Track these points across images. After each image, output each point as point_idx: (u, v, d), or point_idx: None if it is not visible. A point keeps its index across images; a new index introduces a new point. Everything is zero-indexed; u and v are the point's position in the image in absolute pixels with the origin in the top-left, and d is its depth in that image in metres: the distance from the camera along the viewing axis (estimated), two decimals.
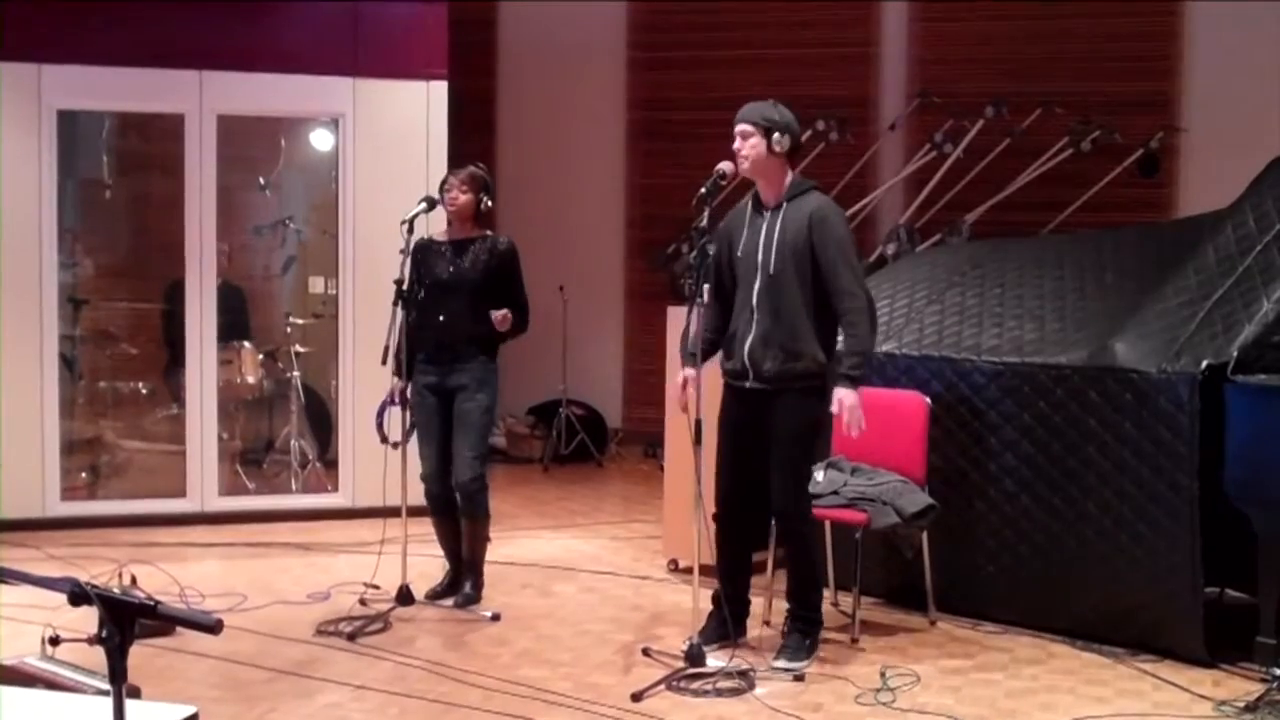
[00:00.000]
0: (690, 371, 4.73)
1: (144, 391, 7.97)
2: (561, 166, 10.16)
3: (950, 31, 9.27)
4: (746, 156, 4.84)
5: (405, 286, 5.45)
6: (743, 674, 4.69)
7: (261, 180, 8.14)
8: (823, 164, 8.38)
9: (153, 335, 8.07)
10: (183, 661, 4.84)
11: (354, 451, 7.32)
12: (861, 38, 9.50)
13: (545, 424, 9.57)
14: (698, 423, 4.66)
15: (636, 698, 4.50)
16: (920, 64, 9.36)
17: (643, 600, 5.83)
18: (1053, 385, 5.26)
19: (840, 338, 4.87)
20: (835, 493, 5.27)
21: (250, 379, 7.78)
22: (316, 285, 8.00)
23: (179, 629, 4.44)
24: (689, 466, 4.94)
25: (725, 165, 4.86)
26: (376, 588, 5.67)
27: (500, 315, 5.49)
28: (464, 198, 5.63)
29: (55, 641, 2.63)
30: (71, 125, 7.41)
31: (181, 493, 7.23)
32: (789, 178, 4.90)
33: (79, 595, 2.05)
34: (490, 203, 5.72)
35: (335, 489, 7.49)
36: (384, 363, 5.43)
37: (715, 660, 4.76)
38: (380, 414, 5.78)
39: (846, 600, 5.44)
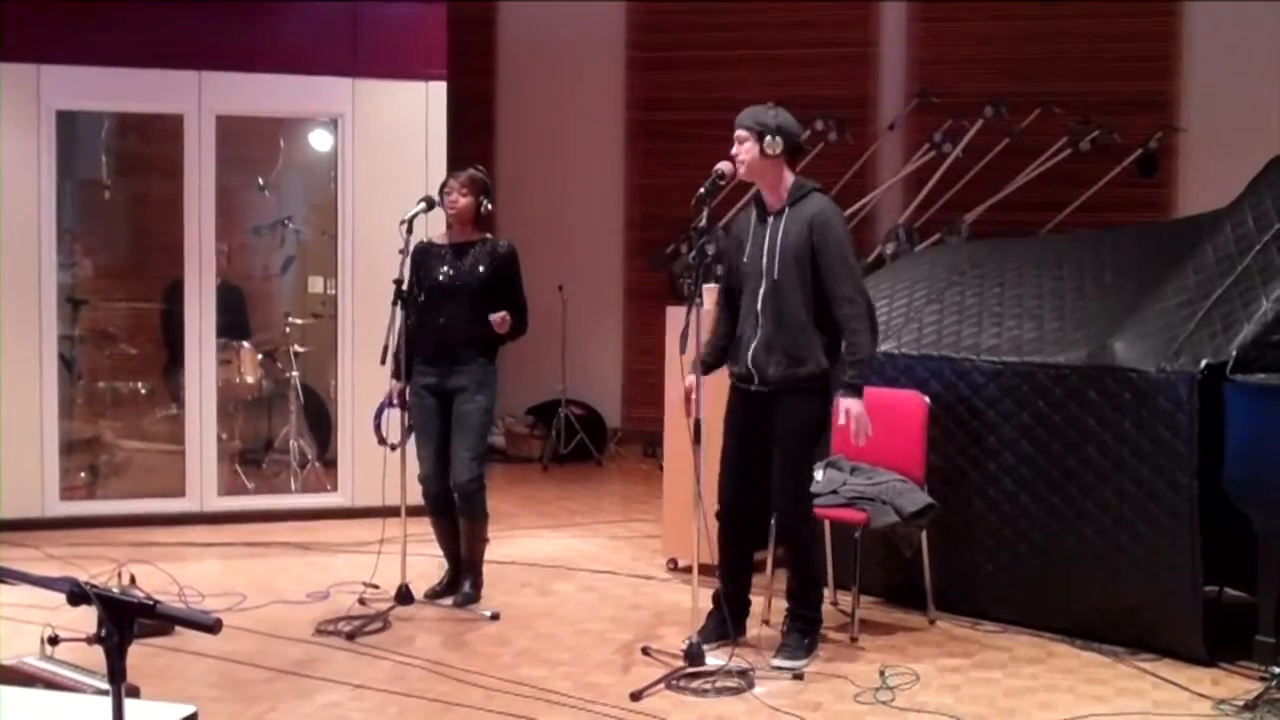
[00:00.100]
0: (692, 379, 4.77)
1: (143, 391, 7.97)
2: (561, 166, 10.16)
3: (949, 31, 9.27)
4: (743, 161, 4.89)
5: (405, 287, 5.46)
6: (742, 673, 4.69)
7: (261, 180, 8.14)
8: (822, 164, 8.38)
9: (152, 335, 8.07)
10: (182, 661, 4.84)
11: (353, 451, 7.32)
12: (861, 37, 9.50)
13: (544, 423, 9.58)
14: (697, 422, 4.68)
15: (636, 697, 4.50)
16: (919, 64, 9.36)
17: (642, 599, 5.84)
18: (1052, 384, 5.26)
19: (843, 344, 4.89)
20: (834, 492, 5.28)
21: (249, 379, 7.79)
22: (316, 285, 8.01)
23: (178, 628, 4.46)
24: (688, 466, 4.95)
25: (724, 165, 4.89)
26: (376, 587, 5.67)
27: (499, 318, 5.49)
28: (464, 201, 5.64)
29: (54, 641, 2.64)
30: (71, 126, 7.41)
31: (181, 492, 7.23)
32: (789, 180, 4.92)
33: (78, 595, 2.05)
34: (490, 205, 5.72)
35: (334, 489, 7.49)
36: (383, 363, 5.43)
37: (715, 659, 4.76)
38: (378, 415, 5.79)
39: (846, 599, 5.44)
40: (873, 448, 5.11)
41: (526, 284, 5.73)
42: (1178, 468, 4.84)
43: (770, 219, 4.92)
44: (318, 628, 5.28)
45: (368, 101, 7.35)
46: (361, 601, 5.58)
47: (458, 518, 5.66)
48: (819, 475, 5.24)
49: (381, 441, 5.68)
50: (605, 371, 10.12)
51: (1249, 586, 4.91)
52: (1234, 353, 4.79)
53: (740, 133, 4.89)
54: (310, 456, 7.85)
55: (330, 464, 7.74)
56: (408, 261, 5.49)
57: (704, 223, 4.89)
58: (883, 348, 5.63)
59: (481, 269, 5.60)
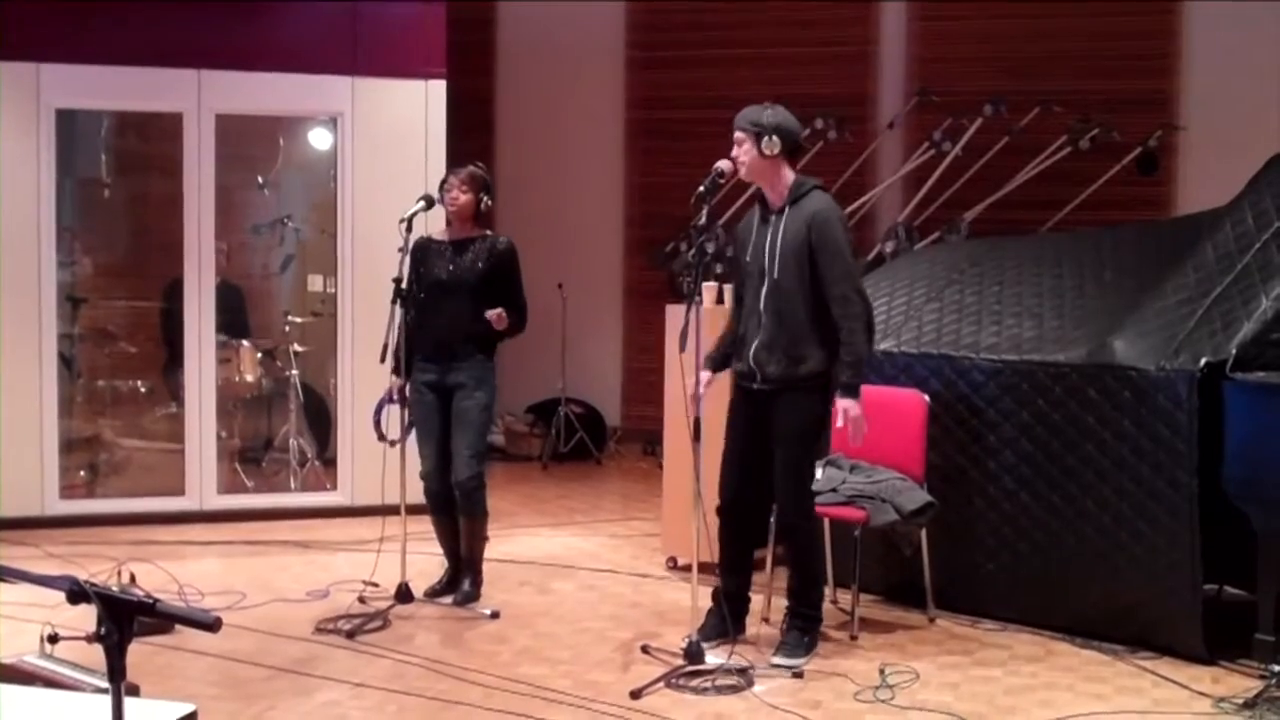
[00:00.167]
0: (706, 375, 4.87)
1: (143, 390, 7.97)
2: (560, 165, 10.16)
3: (949, 30, 9.27)
4: (743, 162, 4.91)
5: (404, 285, 5.46)
6: (742, 671, 4.69)
7: (260, 179, 8.14)
8: (821, 162, 8.37)
9: (151, 334, 8.08)
10: (181, 659, 4.84)
11: (353, 450, 7.32)
12: (860, 36, 9.50)
13: (544, 422, 9.58)
14: (696, 420, 4.68)
15: (635, 695, 4.50)
16: (919, 62, 9.36)
17: (642, 598, 5.84)
18: (1051, 383, 5.26)
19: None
20: (834, 490, 5.28)
21: (249, 377, 7.79)
22: (315, 284, 8.01)
23: (178, 627, 4.46)
24: (688, 464, 4.95)
25: (723, 164, 4.90)
26: (375, 585, 5.67)
27: (495, 314, 5.49)
28: (464, 198, 5.64)
29: (54, 639, 2.64)
30: (70, 124, 7.40)
31: (180, 491, 7.23)
32: (789, 178, 4.93)
33: (78, 593, 2.05)
34: (490, 202, 5.72)
35: (334, 487, 7.49)
36: (383, 360, 5.43)
37: (714, 658, 4.76)
38: (378, 412, 5.79)
39: (845, 597, 5.44)
40: (872, 446, 5.11)
41: (526, 282, 5.73)
42: (1177, 466, 4.84)
43: (771, 218, 4.93)
44: (317, 626, 5.28)
45: (367, 100, 7.35)
46: (361, 600, 5.58)
47: (458, 516, 5.66)
48: (819, 473, 5.24)
49: (381, 438, 5.69)
50: (605, 370, 10.12)
51: (1248, 585, 4.91)
52: (1234, 351, 4.79)
53: (738, 134, 4.91)
54: (310, 455, 7.85)
55: (330, 463, 7.74)
56: (407, 259, 5.49)
57: (703, 221, 4.88)
58: (882, 346, 5.63)
59: (480, 265, 5.60)
